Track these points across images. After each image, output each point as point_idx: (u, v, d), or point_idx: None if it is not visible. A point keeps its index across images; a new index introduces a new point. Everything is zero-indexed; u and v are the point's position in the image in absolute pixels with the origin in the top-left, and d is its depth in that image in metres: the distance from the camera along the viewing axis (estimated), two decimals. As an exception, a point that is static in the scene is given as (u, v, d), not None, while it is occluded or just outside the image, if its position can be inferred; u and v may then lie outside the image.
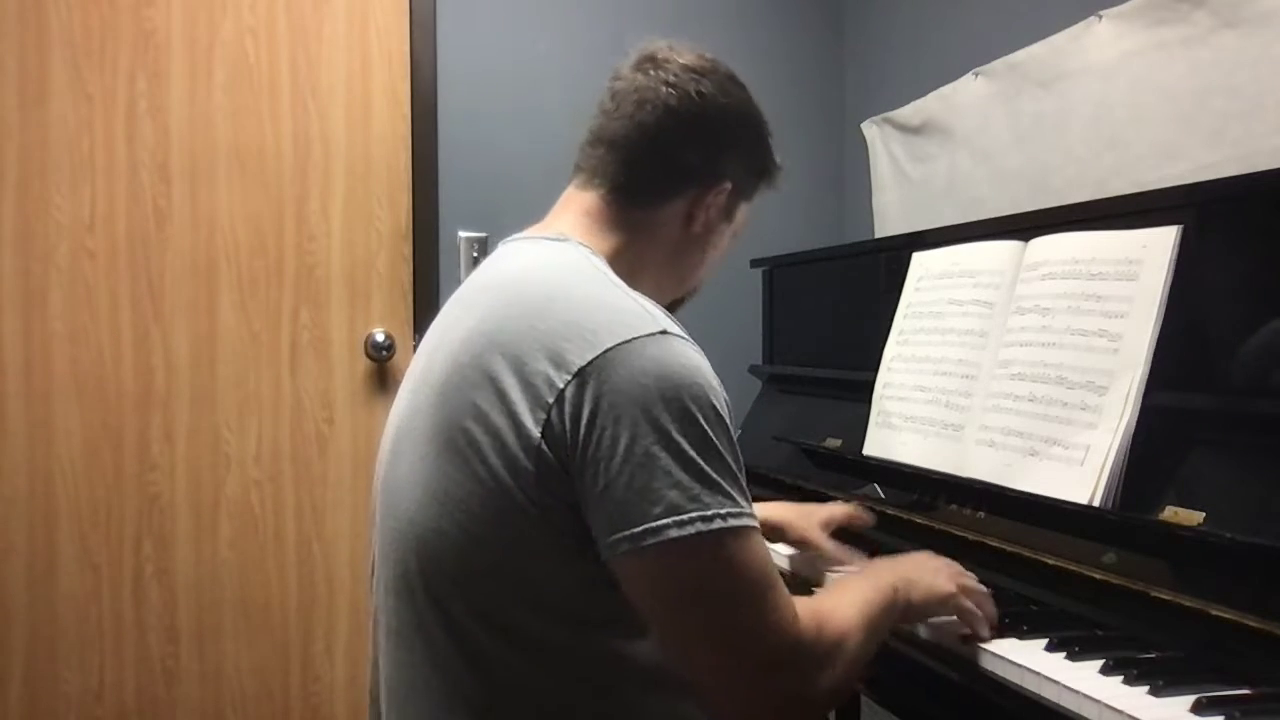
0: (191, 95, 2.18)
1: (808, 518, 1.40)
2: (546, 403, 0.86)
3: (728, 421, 0.89)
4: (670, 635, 0.89)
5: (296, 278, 2.25)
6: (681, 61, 1.04)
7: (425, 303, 2.29)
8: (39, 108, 2.09)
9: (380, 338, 2.29)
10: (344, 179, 2.28)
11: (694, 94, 1.02)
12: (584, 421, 0.84)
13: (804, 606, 0.90)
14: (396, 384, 1.24)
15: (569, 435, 0.85)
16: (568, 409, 0.85)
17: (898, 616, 1.02)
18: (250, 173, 2.22)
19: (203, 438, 2.19)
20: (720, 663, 0.86)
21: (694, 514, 0.83)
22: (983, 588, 1.10)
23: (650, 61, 1.05)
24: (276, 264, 2.24)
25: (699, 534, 0.83)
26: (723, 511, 0.84)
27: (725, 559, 0.84)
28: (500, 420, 0.87)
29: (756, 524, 0.88)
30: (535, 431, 0.86)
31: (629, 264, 1.03)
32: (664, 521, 0.82)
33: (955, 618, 1.07)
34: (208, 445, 2.20)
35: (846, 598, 0.99)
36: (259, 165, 2.23)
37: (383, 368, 2.30)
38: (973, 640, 1.05)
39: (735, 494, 0.86)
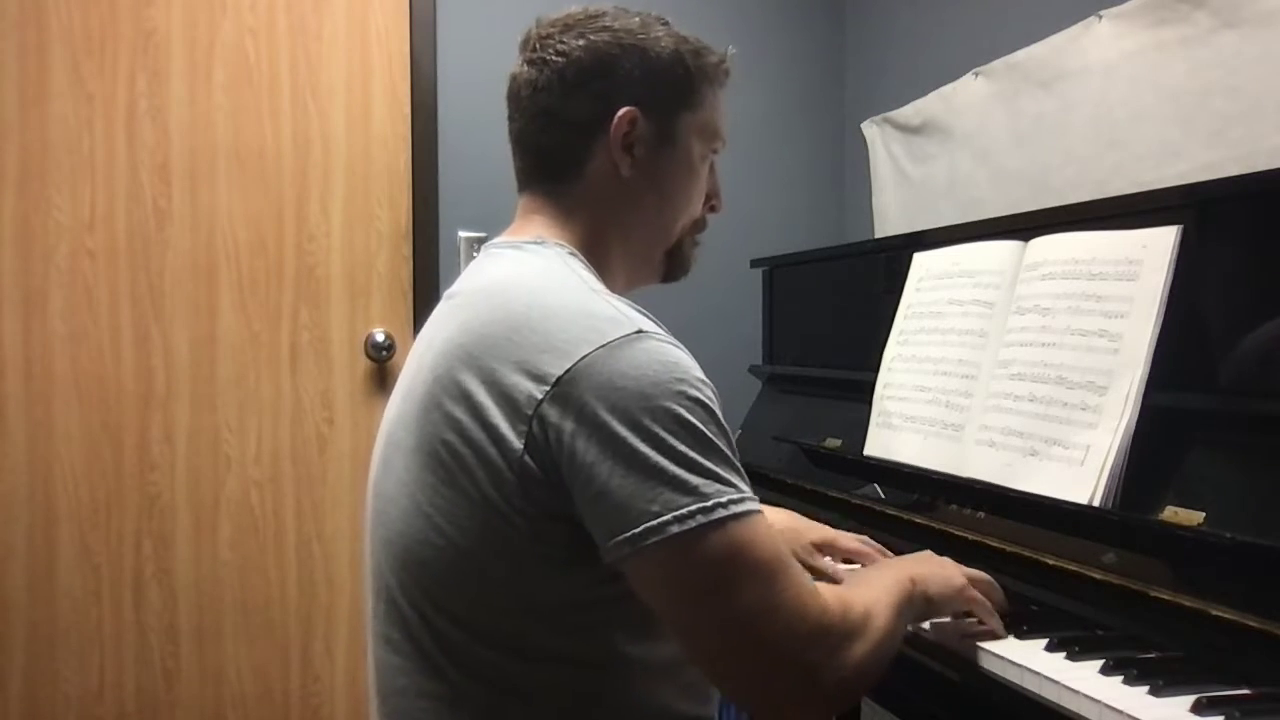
0: (191, 95, 2.18)
1: (799, 535, 1.33)
2: (526, 415, 0.85)
3: (715, 410, 0.87)
4: (688, 632, 0.86)
5: (296, 278, 2.25)
6: (546, 33, 1.02)
7: (425, 303, 2.29)
8: (39, 108, 2.09)
9: (380, 338, 2.29)
10: (344, 179, 2.28)
11: (553, 58, 1.00)
12: (568, 430, 0.83)
13: (825, 588, 0.89)
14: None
15: (553, 445, 0.84)
16: (550, 419, 0.84)
17: (918, 608, 1.00)
18: (250, 173, 2.22)
19: (203, 438, 2.19)
20: (744, 651, 0.83)
21: (693, 506, 0.81)
22: (987, 576, 1.10)
23: (523, 50, 1.04)
24: (276, 264, 2.24)
25: (701, 526, 0.81)
26: (722, 500, 0.82)
27: (732, 546, 0.82)
28: (479, 434, 0.86)
29: (759, 507, 0.85)
30: (518, 444, 0.85)
31: (600, 239, 1.03)
32: (664, 518, 0.81)
33: (964, 615, 1.08)
34: (208, 445, 2.20)
35: (868, 582, 0.97)
36: (259, 165, 2.23)
37: (383, 368, 2.30)
38: (985, 634, 1.05)
39: (732, 479, 0.85)
